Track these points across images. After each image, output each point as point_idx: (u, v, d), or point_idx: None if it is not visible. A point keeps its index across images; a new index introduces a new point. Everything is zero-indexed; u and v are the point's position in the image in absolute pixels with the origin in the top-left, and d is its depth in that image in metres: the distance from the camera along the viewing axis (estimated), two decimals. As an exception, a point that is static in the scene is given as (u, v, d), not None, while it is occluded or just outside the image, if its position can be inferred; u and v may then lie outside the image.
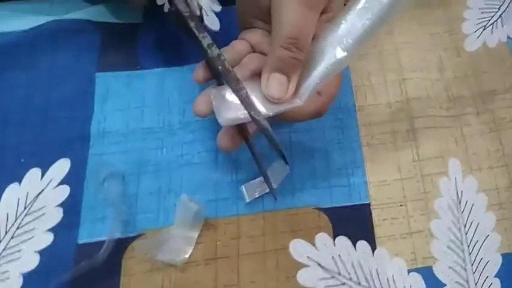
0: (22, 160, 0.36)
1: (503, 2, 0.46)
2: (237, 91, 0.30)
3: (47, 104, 0.38)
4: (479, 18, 0.45)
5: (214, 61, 0.31)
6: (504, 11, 0.45)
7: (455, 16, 0.45)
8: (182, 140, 0.37)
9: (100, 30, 0.41)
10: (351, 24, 0.28)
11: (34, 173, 0.35)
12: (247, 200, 0.36)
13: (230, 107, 0.30)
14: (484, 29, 0.44)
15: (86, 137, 0.37)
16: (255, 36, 0.34)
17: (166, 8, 0.41)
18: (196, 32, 0.32)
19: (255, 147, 0.33)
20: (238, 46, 0.34)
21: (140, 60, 0.40)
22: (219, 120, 0.29)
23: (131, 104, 0.38)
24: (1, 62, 0.38)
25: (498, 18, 0.45)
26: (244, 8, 0.34)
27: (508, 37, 0.43)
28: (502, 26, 0.44)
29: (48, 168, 0.35)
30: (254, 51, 0.34)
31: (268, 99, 0.30)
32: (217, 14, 0.42)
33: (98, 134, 0.37)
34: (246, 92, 0.30)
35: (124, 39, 0.41)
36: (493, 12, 0.45)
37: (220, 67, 0.30)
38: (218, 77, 0.33)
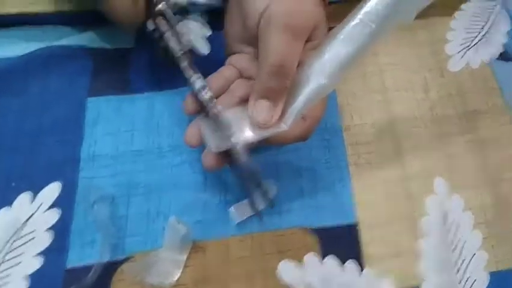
0: (13, 184, 0.36)
1: (485, 24, 0.47)
2: (229, 136, 0.30)
3: (38, 128, 0.38)
4: (462, 39, 0.46)
5: (205, 103, 0.31)
6: (486, 33, 0.46)
7: (439, 38, 0.46)
8: (171, 162, 0.38)
9: (92, 56, 0.41)
10: (334, 53, 0.29)
11: (25, 196, 0.36)
12: (236, 221, 0.36)
13: (219, 137, 0.31)
14: (467, 50, 0.45)
15: (77, 160, 0.37)
16: (242, 61, 0.35)
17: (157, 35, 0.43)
18: (188, 74, 0.33)
19: (241, 170, 0.33)
20: (225, 72, 0.34)
21: (130, 84, 0.41)
22: (210, 149, 0.31)
23: (121, 127, 0.39)
24: (-6, 88, 0.39)
25: (480, 40, 0.46)
26: (231, 33, 0.35)
27: (491, 58, 0.45)
28: (485, 47, 0.45)
29: (38, 192, 0.36)
30: (242, 76, 0.35)
31: (254, 125, 0.31)
32: (207, 38, 0.43)
33: (89, 158, 0.37)
34: (236, 138, 0.31)
35: (116, 64, 0.41)
36: (475, 33, 0.46)
37: (211, 110, 0.31)
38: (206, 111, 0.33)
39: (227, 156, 0.32)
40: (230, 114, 0.32)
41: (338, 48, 0.29)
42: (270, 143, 0.32)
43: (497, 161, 0.40)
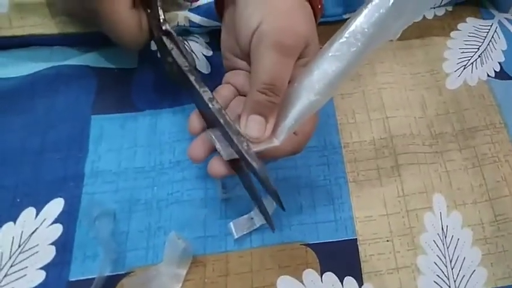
0: (18, 200, 0.37)
1: (482, 43, 0.48)
2: (240, 143, 0.31)
3: (43, 145, 0.39)
4: (459, 58, 0.47)
5: (215, 114, 0.32)
6: (483, 51, 0.47)
7: (436, 56, 0.47)
8: (172, 178, 0.39)
9: (96, 75, 0.43)
10: (323, 70, 0.30)
11: (29, 212, 0.36)
12: (236, 237, 0.36)
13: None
14: (464, 68, 0.46)
15: (80, 176, 0.38)
16: (238, 79, 0.36)
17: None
18: (197, 86, 0.33)
19: (249, 181, 0.34)
20: (223, 92, 0.35)
21: (134, 103, 0.42)
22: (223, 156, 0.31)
23: (124, 144, 0.40)
24: (1, 107, 0.40)
25: (478, 58, 0.46)
26: (227, 48, 0.36)
27: (488, 75, 0.45)
28: (482, 65, 0.46)
29: (42, 208, 0.37)
30: (239, 94, 0.36)
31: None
32: (207, 58, 0.44)
33: (92, 174, 0.38)
34: (247, 145, 0.31)
35: (119, 83, 0.43)
36: (472, 52, 0.47)
37: (222, 120, 0.31)
38: (213, 127, 0.34)
39: (235, 164, 0.32)
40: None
41: (326, 65, 0.30)
42: (263, 157, 0.32)
43: (495, 178, 0.40)
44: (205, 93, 0.32)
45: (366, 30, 0.28)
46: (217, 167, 0.32)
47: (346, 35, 0.29)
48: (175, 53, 0.35)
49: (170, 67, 0.36)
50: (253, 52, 0.31)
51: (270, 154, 0.32)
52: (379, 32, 0.28)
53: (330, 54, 0.29)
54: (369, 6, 0.28)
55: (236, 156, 0.31)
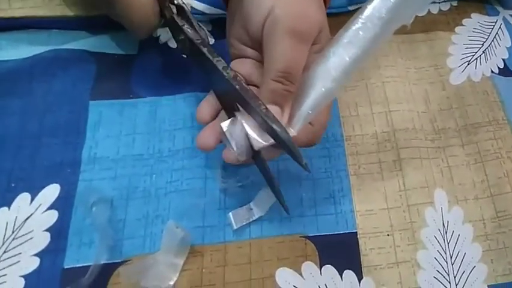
0: (13, 185, 0.36)
1: (487, 39, 0.47)
2: (258, 106, 0.29)
3: (40, 130, 0.38)
4: (463, 54, 0.46)
5: (231, 82, 0.31)
6: (488, 47, 0.47)
7: (440, 51, 0.46)
8: (171, 167, 0.38)
9: (96, 60, 0.42)
10: (339, 57, 0.29)
11: (24, 197, 0.36)
12: (235, 227, 0.36)
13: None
14: (468, 64, 0.45)
15: (77, 162, 0.37)
16: (245, 67, 0.35)
17: (162, 41, 0.43)
18: (211, 57, 0.32)
19: (267, 168, 0.33)
20: None
21: (133, 89, 0.41)
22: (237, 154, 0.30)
23: (122, 131, 0.39)
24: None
25: (482, 54, 0.46)
26: (234, 35, 0.35)
27: (492, 71, 0.45)
28: (486, 61, 0.46)
29: (38, 193, 0.36)
30: (247, 83, 0.35)
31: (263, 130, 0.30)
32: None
33: (89, 160, 0.38)
34: (266, 108, 0.29)
35: (119, 69, 0.42)
36: (477, 48, 0.47)
37: (238, 86, 0.30)
38: (227, 109, 0.33)
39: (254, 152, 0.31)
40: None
41: (342, 52, 0.29)
42: (278, 149, 0.32)
43: (497, 174, 0.39)
44: (219, 63, 0.32)
45: (383, 15, 0.28)
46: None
47: (362, 20, 0.28)
48: (186, 28, 0.35)
49: (183, 44, 0.35)
50: (266, 39, 0.30)
51: None
52: (395, 17, 0.28)
53: (345, 40, 0.29)
54: None
55: (249, 155, 0.30)
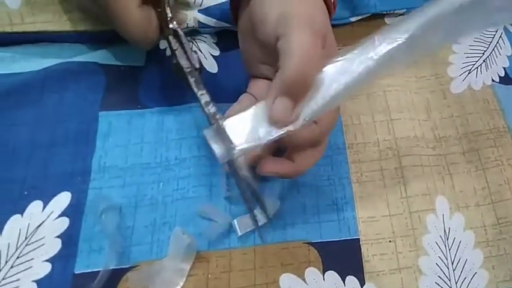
0: (25, 193, 0.37)
1: (488, 48, 0.48)
2: (232, 149, 0.29)
3: (52, 140, 0.40)
4: (464, 63, 0.47)
5: (210, 118, 0.31)
6: (488, 56, 0.47)
7: (441, 60, 0.47)
8: (178, 175, 0.39)
9: (105, 72, 0.43)
10: (349, 65, 0.29)
11: (36, 205, 0.37)
12: (239, 234, 0.37)
13: (225, 148, 0.30)
14: (469, 73, 0.46)
15: (88, 171, 0.39)
16: (257, 88, 0.36)
17: (168, 53, 0.44)
18: (195, 89, 0.33)
19: (245, 184, 0.33)
20: (245, 101, 0.36)
21: (141, 100, 0.42)
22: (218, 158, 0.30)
23: (131, 140, 0.40)
24: (12, 100, 0.41)
25: (482, 63, 0.47)
26: (247, 52, 0.36)
27: (492, 80, 0.46)
28: (486, 70, 0.46)
29: (49, 201, 0.37)
30: None
31: (269, 123, 0.29)
32: (215, 58, 0.45)
33: (99, 169, 0.39)
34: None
35: (127, 80, 0.43)
36: (477, 57, 0.47)
37: (214, 125, 0.30)
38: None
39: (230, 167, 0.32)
40: (235, 120, 0.31)
41: (353, 61, 0.29)
42: (282, 143, 0.31)
43: (498, 181, 0.40)
44: (202, 96, 0.33)
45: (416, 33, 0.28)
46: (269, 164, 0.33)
47: (397, 38, 0.28)
48: (178, 53, 0.36)
49: (175, 67, 0.36)
50: (283, 34, 0.29)
51: (290, 139, 0.31)
52: (420, 45, 0.28)
53: (375, 56, 0.28)
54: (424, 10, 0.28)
55: (228, 158, 0.30)
